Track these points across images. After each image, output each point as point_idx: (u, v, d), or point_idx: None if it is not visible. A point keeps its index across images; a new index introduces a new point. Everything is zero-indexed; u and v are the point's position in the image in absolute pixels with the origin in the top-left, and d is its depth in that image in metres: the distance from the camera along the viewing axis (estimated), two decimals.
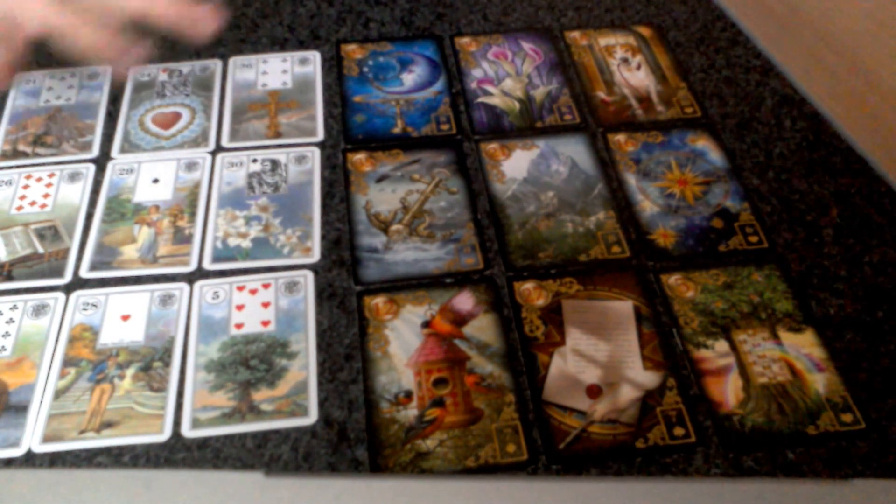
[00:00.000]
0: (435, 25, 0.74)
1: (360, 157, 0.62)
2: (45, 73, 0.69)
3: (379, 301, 0.53)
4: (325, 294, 0.53)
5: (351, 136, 0.64)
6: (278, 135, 0.64)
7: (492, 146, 0.63)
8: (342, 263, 0.55)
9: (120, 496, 0.38)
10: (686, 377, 0.49)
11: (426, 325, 0.52)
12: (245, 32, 0.73)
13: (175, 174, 0.61)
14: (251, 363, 0.50)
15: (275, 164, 0.61)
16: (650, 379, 0.49)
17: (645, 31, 0.73)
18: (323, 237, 0.57)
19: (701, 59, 0.71)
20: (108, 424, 0.47)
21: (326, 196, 0.59)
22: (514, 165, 0.62)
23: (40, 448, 0.46)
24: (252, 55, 0.71)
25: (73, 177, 0.60)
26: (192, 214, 0.58)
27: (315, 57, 0.71)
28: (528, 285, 0.54)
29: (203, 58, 0.70)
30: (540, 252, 0.56)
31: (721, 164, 0.62)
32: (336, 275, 0.55)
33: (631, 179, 0.61)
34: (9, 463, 0.45)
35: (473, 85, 0.68)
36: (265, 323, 0.52)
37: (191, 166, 0.61)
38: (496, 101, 0.67)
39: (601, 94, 0.68)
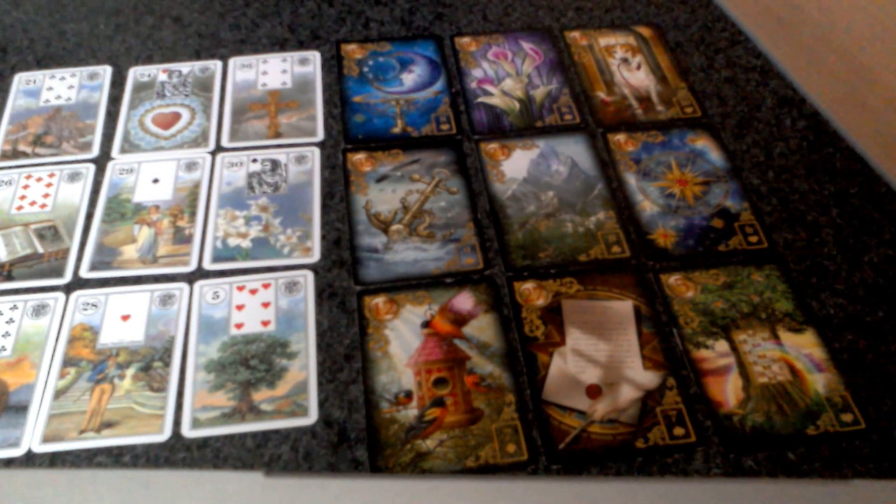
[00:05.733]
0: (435, 25, 0.74)
1: (360, 157, 0.62)
2: (45, 73, 0.69)
3: (379, 301, 0.53)
4: (325, 294, 0.53)
5: (351, 136, 0.64)
6: (278, 135, 0.64)
7: (492, 146, 0.63)
8: (342, 263, 0.55)
9: (120, 496, 0.38)
10: (686, 377, 0.49)
11: (426, 325, 0.52)
12: (245, 32, 0.73)
13: (175, 174, 0.61)
14: (251, 363, 0.50)
15: (275, 164, 0.61)
16: (650, 379, 0.49)
17: (645, 31, 0.73)
18: (323, 237, 0.57)
19: (701, 59, 0.71)
20: (108, 424, 0.47)
21: (326, 196, 0.59)
22: (514, 165, 0.62)
23: (40, 448, 0.46)
24: (252, 55, 0.71)
25: (73, 177, 0.60)
26: (192, 214, 0.58)
27: (315, 57, 0.71)
28: (528, 285, 0.54)
29: (203, 58, 0.70)
30: (540, 252, 0.56)
31: (721, 164, 0.62)
32: (336, 275, 0.55)
33: (631, 179, 0.61)
34: (9, 463, 0.45)
35: (473, 85, 0.68)
36: (265, 323, 0.52)
37: (191, 166, 0.61)
38: (496, 101, 0.67)
39: (601, 94, 0.68)
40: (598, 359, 0.50)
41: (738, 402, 0.48)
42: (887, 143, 0.62)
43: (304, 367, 0.49)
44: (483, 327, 0.52)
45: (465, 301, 0.53)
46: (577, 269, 0.55)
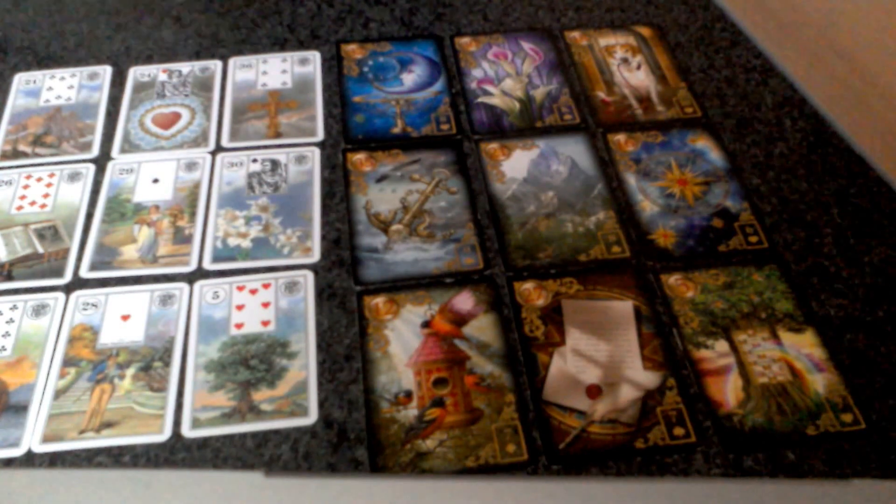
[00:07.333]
0: (435, 25, 0.74)
1: (360, 157, 0.62)
2: (45, 73, 0.69)
3: (379, 301, 0.53)
4: (325, 294, 0.53)
5: (351, 136, 0.64)
6: (278, 135, 0.64)
7: (492, 146, 0.63)
8: (342, 263, 0.55)
9: (120, 496, 0.38)
10: (686, 377, 0.49)
11: (426, 325, 0.52)
12: (245, 32, 0.73)
13: (175, 174, 0.61)
14: (251, 363, 0.50)
15: (275, 164, 0.61)
16: (650, 379, 0.49)
17: (645, 31, 0.73)
18: (323, 237, 0.57)
19: (701, 59, 0.71)
20: (108, 424, 0.47)
21: (326, 196, 0.59)
22: (514, 165, 0.62)
23: (40, 448, 0.46)
24: (252, 55, 0.71)
25: (73, 177, 0.60)
26: (192, 214, 0.58)
27: (315, 57, 0.71)
28: (528, 285, 0.54)
29: (203, 58, 0.70)
30: (540, 252, 0.56)
31: (721, 164, 0.62)
32: (336, 275, 0.55)
33: (631, 179, 0.61)
34: (9, 463, 0.45)
35: (473, 85, 0.68)
36: (265, 323, 0.52)
37: (191, 166, 0.61)
38: (496, 101, 0.67)
39: (601, 94, 0.68)
40: (598, 359, 0.50)
41: (738, 402, 0.48)
42: (887, 143, 0.62)
43: (304, 367, 0.50)
44: (483, 327, 0.52)
45: (465, 301, 0.53)
46: (577, 269, 0.55)
